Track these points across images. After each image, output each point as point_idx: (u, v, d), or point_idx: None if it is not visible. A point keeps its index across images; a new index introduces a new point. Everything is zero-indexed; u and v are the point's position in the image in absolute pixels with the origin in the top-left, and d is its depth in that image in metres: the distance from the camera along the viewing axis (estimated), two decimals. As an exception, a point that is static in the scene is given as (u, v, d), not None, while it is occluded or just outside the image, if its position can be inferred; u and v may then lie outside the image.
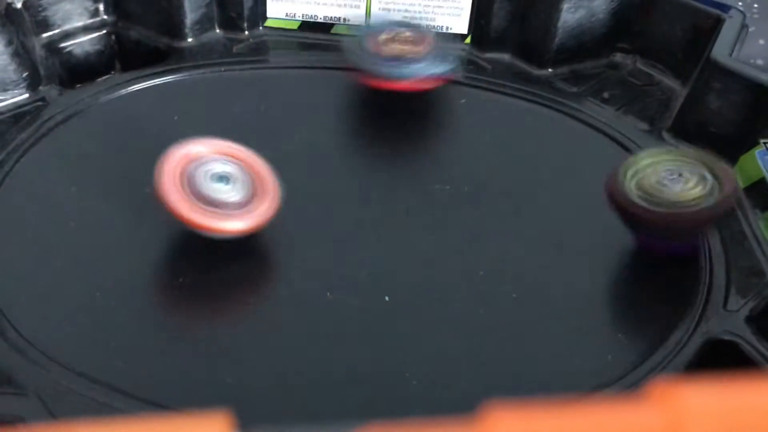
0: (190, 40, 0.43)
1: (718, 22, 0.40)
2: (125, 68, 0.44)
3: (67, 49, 0.43)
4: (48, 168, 0.36)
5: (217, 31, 0.44)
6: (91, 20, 0.44)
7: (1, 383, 0.27)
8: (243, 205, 0.31)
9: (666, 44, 0.42)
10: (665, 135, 0.39)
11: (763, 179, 0.35)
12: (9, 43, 0.39)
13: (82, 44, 0.44)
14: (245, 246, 0.31)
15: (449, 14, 0.44)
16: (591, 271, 0.33)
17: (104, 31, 0.44)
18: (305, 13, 0.45)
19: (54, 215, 0.34)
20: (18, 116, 0.38)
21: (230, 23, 0.44)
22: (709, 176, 0.31)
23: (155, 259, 0.32)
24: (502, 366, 0.29)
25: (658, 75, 0.43)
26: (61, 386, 0.27)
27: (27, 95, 0.39)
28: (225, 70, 0.42)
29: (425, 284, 0.32)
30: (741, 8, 0.42)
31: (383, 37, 0.39)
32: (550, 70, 0.43)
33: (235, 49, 0.43)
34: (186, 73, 0.41)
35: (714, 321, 0.30)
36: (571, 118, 0.40)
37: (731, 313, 0.31)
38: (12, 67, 0.39)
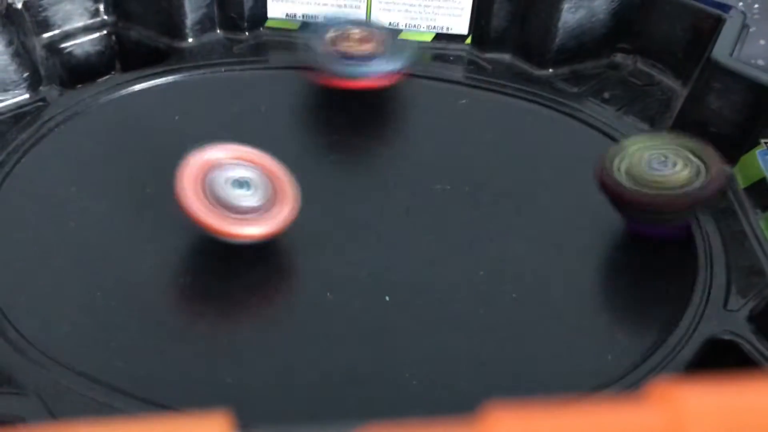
0: (190, 40, 0.43)
1: (719, 23, 0.40)
2: (125, 68, 0.44)
3: (68, 50, 0.43)
4: (48, 168, 0.36)
5: (218, 31, 0.44)
6: (92, 20, 0.44)
7: (1, 383, 0.27)
8: (263, 210, 0.31)
9: (666, 44, 0.42)
10: (665, 135, 0.39)
11: (763, 179, 0.35)
12: (9, 43, 0.39)
13: (83, 44, 0.44)
14: (245, 247, 0.31)
15: (449, 14, 0.44)
16: (591, 271, 0.33)
17: (105, 32, 0.44)
18: (305, 13, 0.45)
19: (54, 215, 0.34)
20: (18, 116, 0.38)
21: (230, 24, 0.44)
22: (695, 160, 0.32)
23: (155, 259, 0.32)
24: (502, 366, 0.29)
25: (658, 75, 0.43)
26: (61, 386, 0.27)
27: (27, 95, 0.39)
28: (225, 71, 0.42)
29: (425, 284, 0.32)
30: (742, 8, 0.42)
31: (332, 35, 0.39)
32: (550, 70, 0.43)
33: (235, 50, 0.43)
34: (186, 74, 0.41)
35: (714, 321, 0.30)
36: (571, 118, 0.40)
37: (731, 313, 0.31)
38: (12, 67, 0.39)
